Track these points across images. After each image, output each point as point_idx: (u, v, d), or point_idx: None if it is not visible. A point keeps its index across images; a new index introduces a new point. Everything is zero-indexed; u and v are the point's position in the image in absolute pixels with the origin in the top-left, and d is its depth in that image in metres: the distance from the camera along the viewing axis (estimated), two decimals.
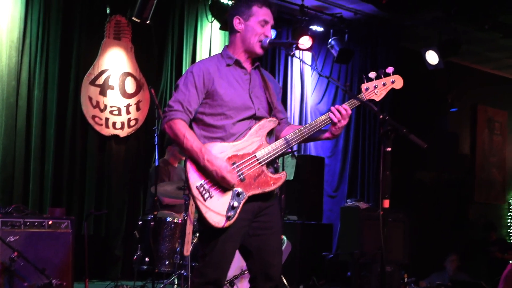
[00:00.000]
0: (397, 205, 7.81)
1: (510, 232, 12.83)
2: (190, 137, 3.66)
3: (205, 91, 3.75)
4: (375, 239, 8.49)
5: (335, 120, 3.76)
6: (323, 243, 9.33)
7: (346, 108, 3.77)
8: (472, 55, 11.39)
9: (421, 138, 3.42)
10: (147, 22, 8.08)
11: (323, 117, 3.80)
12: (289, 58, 10.16)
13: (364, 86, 3.88)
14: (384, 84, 3.90)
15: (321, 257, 9.07)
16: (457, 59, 11.14)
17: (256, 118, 3.79)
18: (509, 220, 12.92)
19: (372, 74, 3.89)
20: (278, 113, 3.93)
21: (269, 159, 3.73)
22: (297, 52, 9.84)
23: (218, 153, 3.66)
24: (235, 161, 3.68)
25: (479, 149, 12.57)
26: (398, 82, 3.94)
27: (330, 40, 9.88)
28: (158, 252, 6.63)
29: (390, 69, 3.91)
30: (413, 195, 10.43)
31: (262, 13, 3.84)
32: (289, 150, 3.86)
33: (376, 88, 3.88)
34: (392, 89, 3.94)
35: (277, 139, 3.83)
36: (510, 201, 13.01)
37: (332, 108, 3.77)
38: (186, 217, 6.43)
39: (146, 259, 6.64)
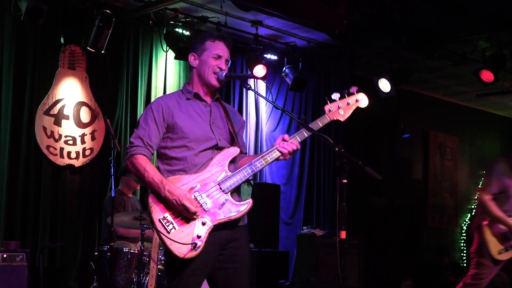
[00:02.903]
0: (351, 231, 7.88)
1: (463, 256, 13.02)
2: (150, 171, 3.71)
3: (165, 125, 3.82)
4: (331, 266, 8.57)
5: (286, 153, 3.79)
6: (280, 271, 9.34)
7: (295, 144, 3.81)
8: (422, 83, 11.62)
9: (374, 164, 3.48)
10: (102, 51, 8.09)
11: (274, 154, 3.80)
12: None
13: (327, 107, 3.88)
14: (348, 104, 3.91)
15: (278, 285, 9.08)
16: (408, 86, 11.34)
17: (218, 148, 3.84)
18: (462, 244, 13.13)
19: (335, 95, 3.88)
20: (240, 146, 3.98)
21: (233, 187, 3.76)
22: (252, 81, 9.93)
23: (180, 185, 3.69)
24: (198, 190, 3.71)
25: (431, 174, 12.77)
26: (363, 100, 3.95)
27: (284, 68, 10.01)
28: (114, 283, 6.56)
29: (353, 89, 3.92)
30: (367, 221, 10.52)
31: (215, 47, 3.92)
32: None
33: (340, 108, 3.88)
34: (357, 108, 3.94)
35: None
36: (463, 225, 13.23)
37: (279, 148, 3.79)
38: (142, 247, 6.42)
39: None
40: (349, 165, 3.44)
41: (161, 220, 3.66)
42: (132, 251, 6.69)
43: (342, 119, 3.90)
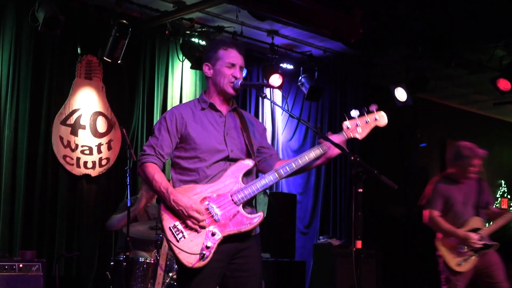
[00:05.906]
0: (368, 241, 7.81)
1: None
2: (158, 179, 3.74)
3: (178, 135, 3.83)
4: (348, 276, 8.52)
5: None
6: (296, 281, 9.31)
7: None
8: (439, 91, 11.56)
9: (391, 173, 3.45)
10: (118, 61, 8.12)
11: (312, 154, 3.83)
12: None
13: (345, 124, 3.84)
14: (367, 122, 3.87)
15: None
16: (425, 95, 11.30)
17: (230, 160, 3.82)
18: None
19: (354, 113, 3.83)
20: (266, 149, 4.01)
21: (245, 199, 3.75)
22: (268, 90, 9.92)
23: (193, 195, 3.69)
24: (210, 201, 3.70)
25: None
26: (381, 119, 3.90)
27: (300, 77, 10.01)
28: None
29: (373, 107, 3.87)
30: (384, 230, 10.47)
31: (228, 56, 3.90)
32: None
33: (358, 126, 3.85)
34: (376, 126, 3.90)
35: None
36: None
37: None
38: (158, 257, 6.39)
39: None
40: (365, 174, 3.41)
41: (171, 228, 3.67)
42: (148, 261, 6.67)
43: (359, 137, 3.87)
